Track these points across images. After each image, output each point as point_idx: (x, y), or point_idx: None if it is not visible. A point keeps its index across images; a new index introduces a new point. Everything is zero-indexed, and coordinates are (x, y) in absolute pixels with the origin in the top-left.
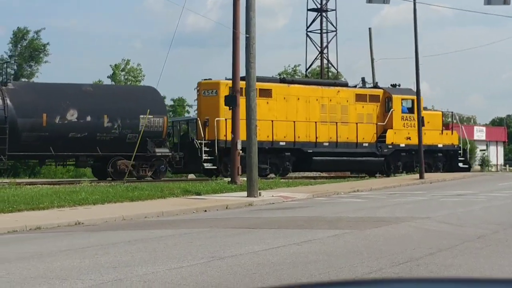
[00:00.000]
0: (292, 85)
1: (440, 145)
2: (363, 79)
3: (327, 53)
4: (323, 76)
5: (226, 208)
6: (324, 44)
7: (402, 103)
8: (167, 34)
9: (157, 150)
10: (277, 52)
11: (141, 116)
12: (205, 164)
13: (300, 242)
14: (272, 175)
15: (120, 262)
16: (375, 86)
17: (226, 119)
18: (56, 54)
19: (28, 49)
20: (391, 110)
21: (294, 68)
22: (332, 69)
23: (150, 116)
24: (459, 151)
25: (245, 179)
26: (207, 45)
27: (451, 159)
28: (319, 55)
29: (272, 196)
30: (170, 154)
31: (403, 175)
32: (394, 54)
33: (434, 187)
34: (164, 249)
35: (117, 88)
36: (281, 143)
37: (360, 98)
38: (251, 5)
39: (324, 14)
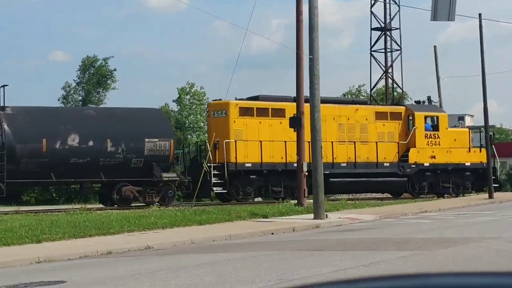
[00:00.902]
0: (306, 104)
1: (467, 164)
2: (429, 98)
3: (392, 72)
4: (388, 96)
5: (293, 230)
6: (389, 63)
7: (425, 120)
8: (232, 58)
9: (164, 175)
10: (341, 72)
11: (146, 139)
12: (214, 188)
13: (367, 263)
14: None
15: (190, 285)
16: (397, 103)
17: (236, 141)
18: (123, 80)
19: (96, 76)
20: (413, 128)
21: (359, 88)
22: (398, 89)
23: (155, 140)
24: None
25: (311, 201)
26: (272, 67)
27: (481, 178)
28: (384, 74)
29: (339, 218)
30: (177, 178)
31: (472, 195)
32: (461, 72)
33: (504, 206)
34: (232, 272)
35: (121, 111)
36: (295, 165)
37: (380, 116)
38: (314, 26)
39: (388, 33)
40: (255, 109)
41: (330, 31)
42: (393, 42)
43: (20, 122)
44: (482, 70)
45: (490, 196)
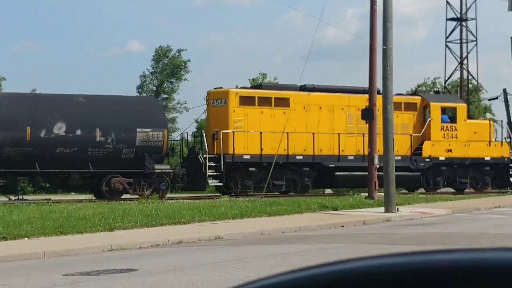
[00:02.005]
0: (313, 93)
1: (487, 158)
2: (504, 90)
3: (467, 63)
4: (463, 88)
5: (363, 223)
6: (464, 55)
7: (442, 111)
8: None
9: (156, 166)
10: (416, 64)
11: (138, 129)
12: (209, 181)
13: None
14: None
15: (259, 276)
16: (414, 93)
17: (233, 132)
18: (196, 71)
19: (170, 66)
20: (428, 120)
21: (434, 80)
22: (473, 81)
23: (148, 130)
24: (511, 165)
25: (382, 194)
26: (346, 57)
27: (501, 173)
28: (459, 66)
29: (410, 211)
30: (171, 171)
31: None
32: None
33: None
34: (301, 264)
35: (113, 98)
36: (298, 157)
37: (394, 106)
38: (388, 16)
39: (464, 23)
40: (256, 98)
41: (404, 21)
42: (469, 33)
43: (2, 109)
44: None
45: None
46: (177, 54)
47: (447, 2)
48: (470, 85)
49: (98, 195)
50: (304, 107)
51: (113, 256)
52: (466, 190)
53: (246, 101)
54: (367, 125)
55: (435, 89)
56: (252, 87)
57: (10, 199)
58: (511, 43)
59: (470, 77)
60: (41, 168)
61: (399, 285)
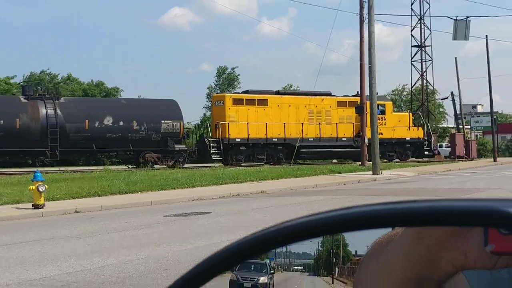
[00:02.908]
0: (284, 96)
1: (408, 138)
2: (452, 93)
3: (426, 76)
4: (423, 92)
5: (358, 182)
6: (424, 70)
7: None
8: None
9: (176, 146)
10: (391, 75)
11: (163, 121)
12: (213, 156)
13: None
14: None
15: (289, 217)
16: (356, 95)
17: (228, 123)
18: (245, 82)
19: (227, 79)
20: (365, 113)
21: (403, 87)
22: (430, 87)
23: (169, 121)
24: (425, 143)
25: (371, 162)
26: (344, 73)
27: (418, 149)
28: (420, 77)
29: (390, 174)
30: (186, 149)
31: (481, 159)
32: (477, 75)
33: (505, 167)
34: (319, 208)
35: (145, 101)
36: (274, 139)
37: (341, 104)
38: (372, 44)
39: (423, 49)
40: (244, 99)
41: (383, 48)
42: (426, 55)
43: (70, 108)
44: (488, 73)
45: (495, 160)
46: (231, 70)
47: (411, 35)
48: (428, 90)
49: (137, 165)
50: (278, 106)
51: (194, 204)
52: (396, 160)
53: (237, 102)
54: (321, 116)
55: (404, 93)
56: (242, 92)
57: (128, 167)
58: (455, 61)
59: (428, 84)
60: (97, 148)
61: (397, 222)
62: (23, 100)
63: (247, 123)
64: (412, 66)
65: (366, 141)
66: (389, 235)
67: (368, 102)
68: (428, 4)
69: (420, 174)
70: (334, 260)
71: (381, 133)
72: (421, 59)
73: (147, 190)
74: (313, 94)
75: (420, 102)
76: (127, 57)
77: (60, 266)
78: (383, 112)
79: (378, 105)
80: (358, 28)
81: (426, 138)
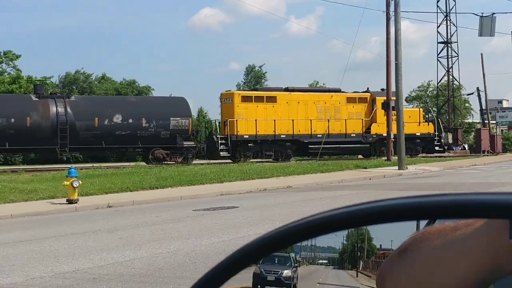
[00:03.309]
0: (293, 93)
1: (418, 134)
2: (477, 89)
3: (452, 71)
4: (449, 88)
5: (384, 177)
6: (450, 66)
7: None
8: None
9: (185, 143)
10: (417, 71)
11: (171, 118)
12: (221, 153)
13: None
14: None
15: (314, 211)
16: (365, 91)
17: (236, 120)
18: (272, 79)
19: (254, 77)
20: (375, 109)
21: (428, 83)
22: (456, 82)
23: (178, 118)
24: (435, 138)
25: (396, 157)
26: (370, 69)
27: (429, 144)
28: (446, 73)
29: (415, 169)
30: (194, 145)
31: (507, 154)
32: (503, 70)
33: None
34: (344, 202)
35: (155, 98)
36: (282, 136)
37: (350, 100)
38: (398, 41)
39: (449, 45)
40: (253, 97)
41: (409, 44)
42: (452, 51)
43: (80, 106)
44: None
45: None
46: (259, 68)
47: (438, 32)
48: (454, 86)
49: (147, 161)
50: (287, 102)
51: (223, 199)
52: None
53: (246, 99)
54: (330, 112)
55: (430, 88)
56: (250, 90)
57: (159, 163)
58: (481, 57)
59: (454, 80)
60: (106, 145)
61: (424, 215)
62: (34, 98)
63: (255, 120)
64: (438, 62)
65: (392, 136)
66: (455, 224)
67: (393, 98)
68: (454, 1)
69: (445, 168)
70: (358, 254)
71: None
72: (447, 55)
73: (176, 185)
74: (322, 90)
75: (446, 98)
76: (159, 57)
77: (92, 259)
78: (393, 108)
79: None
80: (385, 25)
81: (436, 133)
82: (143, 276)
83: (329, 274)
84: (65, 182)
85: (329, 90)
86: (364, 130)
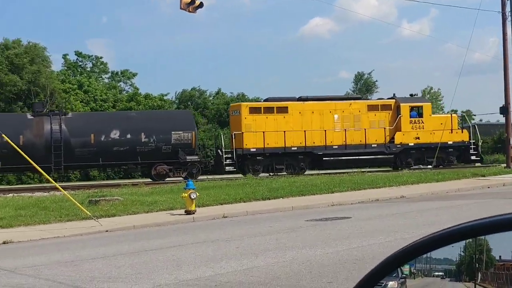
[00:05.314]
0: (306, 102)
1: (450, 142)
2: None
3: None
4: None
5: (503, 185)
6: None
7: (410, 109)
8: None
9: (188, 157)
10: None
11: (173, 132)
12: (226, 168)
13: None
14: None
15: (432, 221)
16: (391, 98)
17: (243, 132)
18: (382, 87)
19: (364, 85)
20: (399, 116)
21: None
22: None
23: (180, 132)
24: (471, 146)
25: None
26: (486, 72)
27: (464, 153)
28: None
29: None
30: (198, 160)
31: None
32: None
33: None
34: (462, 213)
35: (156, 113)
36: (293, 148)
37: (371, 108)
38: None
39: None
40: (262, 108)
41: None
42: None
43: (75, 123)
44: None
45: None
46: (368, 75)
47: None
48: None
49: (149, 177)
50: (300, 112)
51: (334, 209)
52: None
53: (254, 110)
54: (349, 121)
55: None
56: (261, 101)
57: (270, 174)
58: None
59: None
60: (103, 161)
61: None
62: (29, 117)
63: (263, 132)
64: None
65: (511, 143)
66: None
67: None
68: None
69: None
70: (477, 266)
71: (418, 138)
72: None
73: (288, 196)
74: (340, 98)
75: None
76: (270, 70)
77: (213, 267)
78: (420, 115)
79: (414, 107)
80: (501, 26)
81: (472, 141)
82: (262, 284)
83: (446, 286)
84: (183, 194)
85: (348, 98)
86: (388, 140)
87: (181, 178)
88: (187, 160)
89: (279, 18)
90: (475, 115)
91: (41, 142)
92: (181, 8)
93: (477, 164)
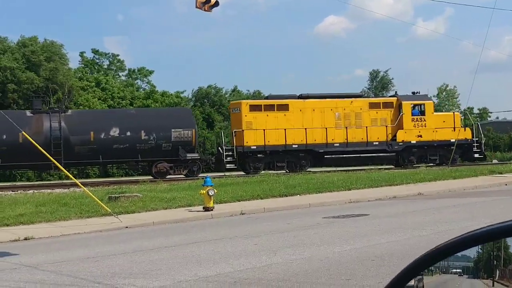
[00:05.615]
0: (307, 100)
1: (453, 140)
2: None
3: None
4: None
5: None
6: None
7: (412, 107)
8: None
9: (188, 155)
10: None
11: (173, 129)
12: (226, 165)
13: None
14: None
15: (449, 219)
16: (392, 95)
17: (243, 130)
18: (398, 85)
19: (380, 83)
20: (401, 114)
21: None
22: None
23: (180, 130)
24: (473, 144)
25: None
26: (502, 70)
27: (467, 151)
28: None
29: None
30: (198, 157)
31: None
32: None
33: None
34: (480, 210)
35: (156, 110)
36: (294, 146)
37: (373, 106)
38: None
39: None
40: (262, 105)
41: None
42: None
43: (75, 121)
44: None
45: None
46: (384, 73)
47: None
48: None
49: (150, 175)
50: (300, 110)
51: (351, 206)
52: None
53: (254, 108)
54: (350, 119)
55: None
56: (262, 98)
57: (286, 171)
58: None
59: None
60: (103, 159)
61: None
62: (28, 114)
63: (264, 130)
64: None
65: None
66: None
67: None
68: None
69: None
70: (495, 263)
71: (420, 135)
72: None
73: (305, 193)
74: (341, 96)
75: None
76: (285, 67)
77: (232, 264)
78: (422, 113)
79: (416, 105)
80: None
81: (475, 139)
82: (280, 281)
83: (463, 283)
84: (202, 191)
85: (349, 96)
86: (390, 138)
87: (182, 176)
88: (188, 157)
89: (294, 16)
90: (491, 113)
91: (40, 140)
92: (196, 7)
93: (494, 161)
